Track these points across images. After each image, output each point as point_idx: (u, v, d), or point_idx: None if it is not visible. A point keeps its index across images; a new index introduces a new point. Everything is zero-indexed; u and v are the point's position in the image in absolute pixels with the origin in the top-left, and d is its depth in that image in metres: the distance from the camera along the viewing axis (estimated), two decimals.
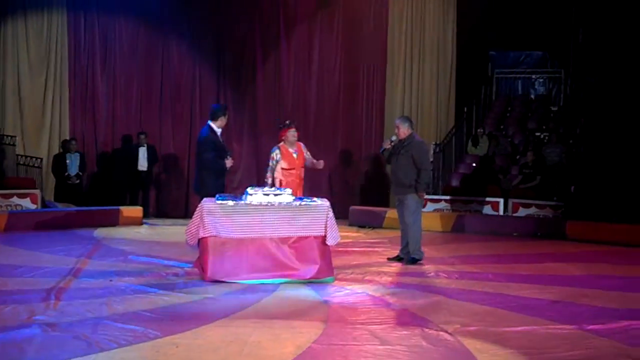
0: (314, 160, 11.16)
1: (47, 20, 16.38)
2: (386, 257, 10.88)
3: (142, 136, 16.42)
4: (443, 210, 16.05)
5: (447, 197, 16.19)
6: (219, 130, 10.06)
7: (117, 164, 17.01)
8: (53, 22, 16.43)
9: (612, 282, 9.29)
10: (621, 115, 16.77)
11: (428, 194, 10.49)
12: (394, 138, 10.56)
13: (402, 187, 10.42)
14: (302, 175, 11.11)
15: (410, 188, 10.38)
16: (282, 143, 11.00)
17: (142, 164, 16.33)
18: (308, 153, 11.16)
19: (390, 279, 9.30)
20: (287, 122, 11.26)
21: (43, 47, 16.39)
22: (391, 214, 15.09)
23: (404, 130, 10.46)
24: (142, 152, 16.30)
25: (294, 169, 10.92)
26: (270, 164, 10.96)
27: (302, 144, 11.17)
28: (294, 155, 10.93)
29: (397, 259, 10.62)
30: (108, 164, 17.11)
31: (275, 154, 10.92)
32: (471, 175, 16.91)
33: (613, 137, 16.23)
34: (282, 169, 10.88)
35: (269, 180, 10.89)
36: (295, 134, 11.02)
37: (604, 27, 18.73)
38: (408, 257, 10.45)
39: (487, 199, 15.78)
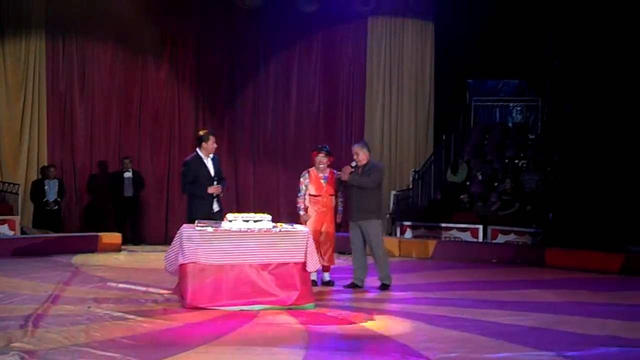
0: (339, 209, 10.86)
1: (25, 46, 16.29)
2: (361, 284, 10.63)
3: (127, 161, 16.32)
4: (423, 237, 16.09)
5: (427, 224, 16.24)
6: (208, 157, 9.98)
7: (99, 190, 16.87)
8: (31, 47, 16.35)
9: (590, 309, 9.31)
10: (598, 143, 16.90)
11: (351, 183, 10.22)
12: (354, 164, 10.37)
13: (364, 213, 10.32)
14: (331, 204, 10.76)
15: (373, 213, 10.36)
16: (313, 167, 10.79)
17: (128, 190, 16.19)
18: (341, 191, 10.81)
19: (370, 305, 9.28)
20: (320, 146, 10.96)
21: (21, 73, 16.31)
22: None
23: (363, 156, 10.37)
24: (127, 178, 16.21)
25: (320, 196, 10.66)
26: (301, 188, 10.75)
27: (335, 171, 10.81)
28: (322, 182, 10.67)
29: (352, 285, 10.49)
30: (88, 190, 16.96)
31: (304, 179, 10.72)
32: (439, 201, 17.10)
33: (590, 164, 16.34)
34: (310, 194, 10.66)
35: (301, 206, 10.70)
36: (324, 160, 10.66)
37: (580, 55, 18.90)
38: (381, 283, 10.41)
39: (467, 225, 15.84)
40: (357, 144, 10.83)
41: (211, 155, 10.03)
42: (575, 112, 18.96)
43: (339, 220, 10.91)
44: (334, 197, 10.76)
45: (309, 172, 10.76)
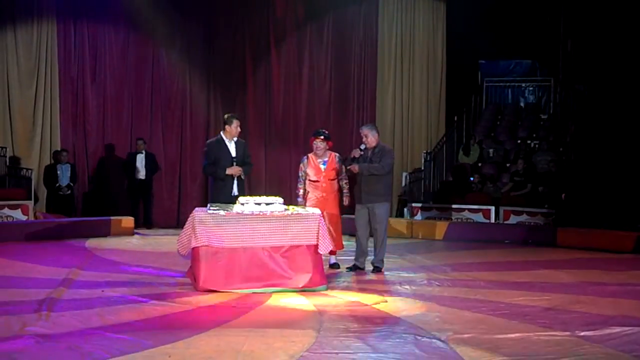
0: (345, 191, 10.69)
1: (37, 31, 16.28)
2: (363, 266, 10.51)
3: (140, 142, 16.29)
4: (434, 218, 16.09)
5: (439, 205, 16.25)
6: (231, 140, 9.97)
7: (112, 174, 16.90)
8: (42, 32, 16.33)
9: (604, 289, 9.31)
10: (610, 122, 16.83)
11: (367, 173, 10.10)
12: (363, 147, 10.24)
13: (373, 196, 10.19)
14: (333, 189, 10.54)
15: (383, 197, 10.28)
16: (312, 153, 10.60)
17: (141, 172, 16.18)
18: (344, 172, 10.61)
19: (382, 287, 9.29)
20: (317, 130, 10.82)
21: (33, 59, 16.31)
22: None
23: (372, 138, 10.25)
24: (140, 160, 16.18)
25: (319, 181, 10.46)
26: (300, 174, 10.63)
27: (336, 155, 10.61)
28: (321, 167, 10.46)
29: (354, 267, 10.43)
30: (101, 174, 17.00)
31: (303, 164, 10.57)
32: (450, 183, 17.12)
33: (603, 144, 16.29)
34: (309, 180, 10.51)
35: (300, 192, 10.60)
36: (321, 145, 10.46)
37: (593, 35, 18.81)
38: (373, 266, 10.36)
39: (479, 206, 15.83)
40: (365, 126, 10.67)
41: (235, 139, 10.02)
42: (587, 92, 18.87)
43: (346, 203, 10.75)
44: (334, 182, 10.57)
45: (307, 157, 10.59)
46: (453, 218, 15.92)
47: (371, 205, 10.26)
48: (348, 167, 10.34)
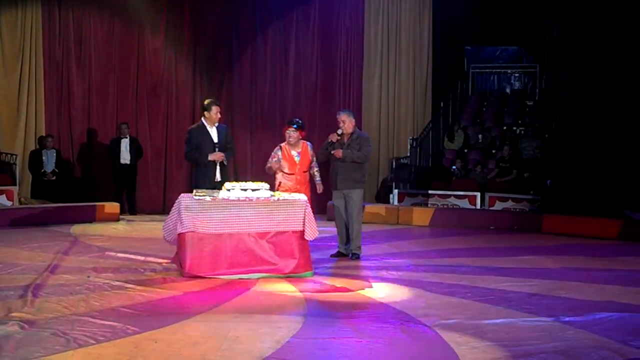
0: (317, 179, 10.65)
1: (21, 15, 16.17)
2: (347, 252, 10.51)
3: (124, 126, 16.20)
4: (420, 204, 16.14)
5: (424, 192, 16.30)
6: (212, 126, 9.95)
7: (97, 160, 16.80)
8: (27, 16, 16.22)
9: (589, 275, 9.38)
10: (596, 109, 16.89)
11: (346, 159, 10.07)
12: (340, 132, 10.23)
13: (349, 182, 10.22)
14: (306, 179, 10.49)
15: (359, 183, 10.30)
16: (284, 143, 10.54)
17: (125, 157, 16.06)
18: (315, 160, 10.57)
19: (369, 273, 9.31)
20: (290, 120, 10.73)
21: (17, 43, 16.19)
22: (369, 208, 15.20)
23: (349, 124, 10.26)
24: (125, 145, 16.07)
25: (294, 174, 10.40)
26: (270, 160, 10.49)
27: (309, 144, 10.59)
28: (296, 159, 10.41)
29: (338, 254, 10.46)
30: (86, 160, 16.91)
31: (275, 154, 10.46)
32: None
33: (588, 131, 16.36)
34: (282, 172, 10.43)
35: (270, 164, 10.44)
36: (294, 134, 10.38)
37: (579, 22, 18.83)
38: (351, 253, 10.35)
39: (465, 193, 15.88)
40: (343, 111, 10.65)
41: (217, 124, 10.02)
42: (573, 78, 18.93)
43: (319, 190, 10.70)
44: (307, 173, 10.52)
45: (281, 147, 10.50)
46: (439, 204, 15.97)
47: (347, 191, 10.27)
48: (332, 152, 10.28)
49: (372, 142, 16.42)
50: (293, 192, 9.89)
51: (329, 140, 10.30)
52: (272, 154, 10.55)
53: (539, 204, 15.09)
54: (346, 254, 10.44)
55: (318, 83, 18.48)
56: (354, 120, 10.38)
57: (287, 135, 10.46)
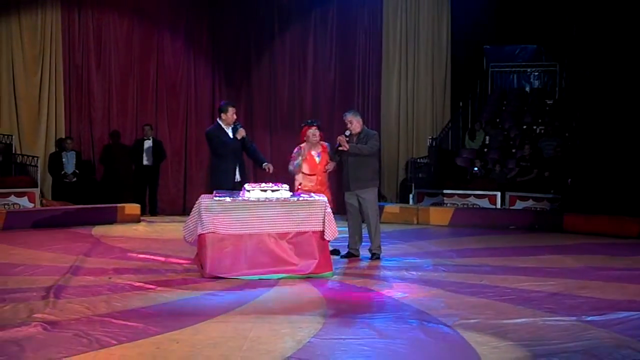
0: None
1: (42, 17, 16.25)
2: (357, 253, 10.48)
3: (147, 127, 16.29)
4: (439, 204, 16.10)
5: (444, 191, 16.26)
6: (229, 127, 10.04)
7: (117, 161, 16.87)
8: (47, 19, 16.30)
9: (610, 274, 9.31)
10: (616, 107, 16.80)
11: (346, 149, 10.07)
12: (348, 133, 10.20)
13: (361, 182, 10.18)
14: (326, 180, 10.53)
15: (371, 182, 10.27)
16: (304, 144, 10.55)
17: (148, 159, 16.15)
18: (332, 161, 10.48)
19: (389, 273, 9.30)
20: (310, 120, 10.79)
21: (37, 46, 16.28)
22: (389, 208, 15.21)
23: (357, 124, 10.25)
24: (147, 146, 16.17)
25: (315, 174, 10.44)
26: (291, 163, 10.50)
27: (327, 145, 10.60)
28: (316, 159, 10.47)
29: (349, 255, 10.40)
30: (106, 162, 16.97)
31: (298, 154, 10.47)
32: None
33: (609, 129, 16.27)
34: (303, 173, 10.45)
35: (295, 162, 10.44)
36: (317, 133, 10.45)
37: (598, 20, 18.76)
38: (371, 253, 10.31)
39: (485, 192, 15.84)
40: (349, 112, 10.54)
41: (232, 126, 10.08)
42: (593, 77, 18.83)
43: (330, 168, 10.49)
44: (327, 174, 10.54)
45: (301, 148, 10.52)
46: (459, 204, 15.93)
47: (359, 192, 10.24)
48: (338, 148, 10.18)
49: (391, 142, 16.40)
50: (313, 192, 9.92)
51: (337, 145, 10.26)
52: (293, 154, 10.56)
53: (559, 203, 15.01)
54: (357, 255, 10.40)
55: (336, 84, 18.43)
56: (361, 120, 10.37)
57: (309, 134, 10.47)
